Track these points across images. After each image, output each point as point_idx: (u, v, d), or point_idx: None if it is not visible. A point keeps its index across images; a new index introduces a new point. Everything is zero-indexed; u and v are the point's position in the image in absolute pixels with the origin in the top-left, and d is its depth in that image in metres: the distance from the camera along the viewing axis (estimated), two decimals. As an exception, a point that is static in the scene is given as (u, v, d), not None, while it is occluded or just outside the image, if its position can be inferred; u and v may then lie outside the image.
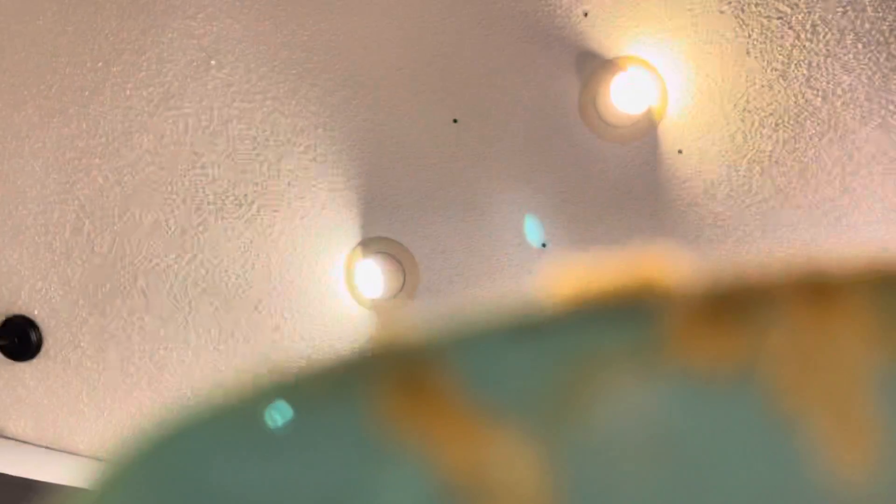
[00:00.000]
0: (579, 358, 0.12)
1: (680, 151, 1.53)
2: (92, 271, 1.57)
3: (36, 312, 1.59)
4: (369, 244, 1.60)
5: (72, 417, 1.67)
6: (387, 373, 0.13)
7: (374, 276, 1.60)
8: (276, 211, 1.56)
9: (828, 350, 0.12)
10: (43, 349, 1.59)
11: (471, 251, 1.60)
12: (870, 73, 1.43)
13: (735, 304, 0.12)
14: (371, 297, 1.61)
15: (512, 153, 1.56)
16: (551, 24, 1.49)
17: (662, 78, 1.51)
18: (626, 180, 1.56)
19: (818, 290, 0.12)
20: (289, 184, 1.55)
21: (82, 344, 1.60)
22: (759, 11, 1.42)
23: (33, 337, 1.56)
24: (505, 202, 1.58)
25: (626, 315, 0.12)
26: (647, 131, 1.54)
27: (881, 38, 1.41)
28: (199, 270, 1.58)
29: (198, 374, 1.62)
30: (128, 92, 1.50)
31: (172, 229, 1.56)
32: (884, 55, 1.42)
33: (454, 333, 0.13)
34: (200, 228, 1.56)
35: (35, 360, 1.59)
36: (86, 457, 1.68)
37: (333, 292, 1.62)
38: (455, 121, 1.54)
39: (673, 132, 1.53)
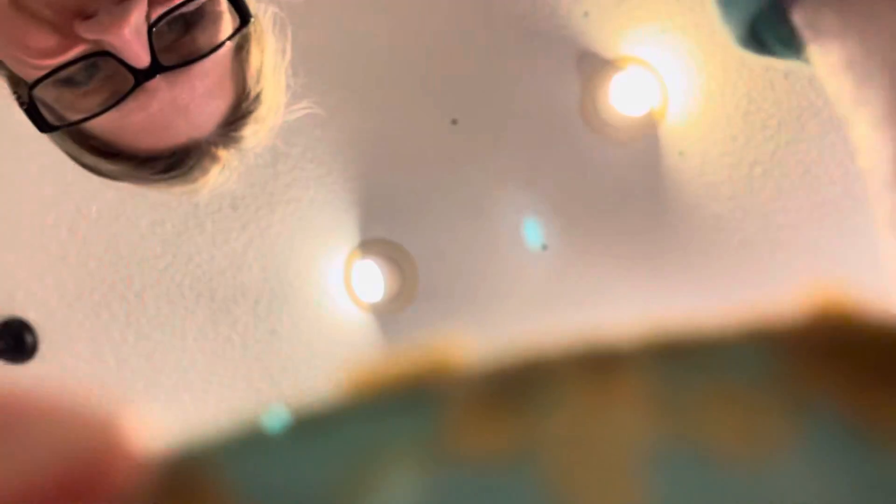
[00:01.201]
0: (359, 453, 0.12)
1: (681, 153, 1.53)
2: (88, 274, 1.57)
3: (32, 315, 1.58)
4: (368, 246, 1.60)
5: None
6: (157, 487, 0.12)
7: (372, 279, 1.59)
8: (273, 213, 1.56)
9: (605, 427, 0.12)
10: (39, 352, 1.59)
11: (470, 253, 1.60)
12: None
13: (516, 386, 0.12)
14: (370, 300, 1.61)
15: (512, 154, 1.55)
16: (551, 25, 1.48)
17: (663, 79, 1.50)
18: (627, 182, 1.56)
19: (599, 364, 0.12)
20: (286, 185, 1.55)
21: (78, 347, 1.60)
22: (761, 11, 1.41)
23: (29, 340, 1.56)
24: (504, 204, 1.57)
25: (409, 404, 0.12)
26: (647, 133, 1.53)
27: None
28: (196, 273, 1.58)
29: (194, 377, 1.62)
30: (124, 93, 1.49)
31: (169, 231, 1.55)
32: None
33: (228, 436, 0.12)
34: (197, 231, 1.56)
35: (31, 364, 1.59)
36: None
37: (331, 295, 1.61)
38: (454, 121, 1.54)
39: (674, 133, 1.52)
